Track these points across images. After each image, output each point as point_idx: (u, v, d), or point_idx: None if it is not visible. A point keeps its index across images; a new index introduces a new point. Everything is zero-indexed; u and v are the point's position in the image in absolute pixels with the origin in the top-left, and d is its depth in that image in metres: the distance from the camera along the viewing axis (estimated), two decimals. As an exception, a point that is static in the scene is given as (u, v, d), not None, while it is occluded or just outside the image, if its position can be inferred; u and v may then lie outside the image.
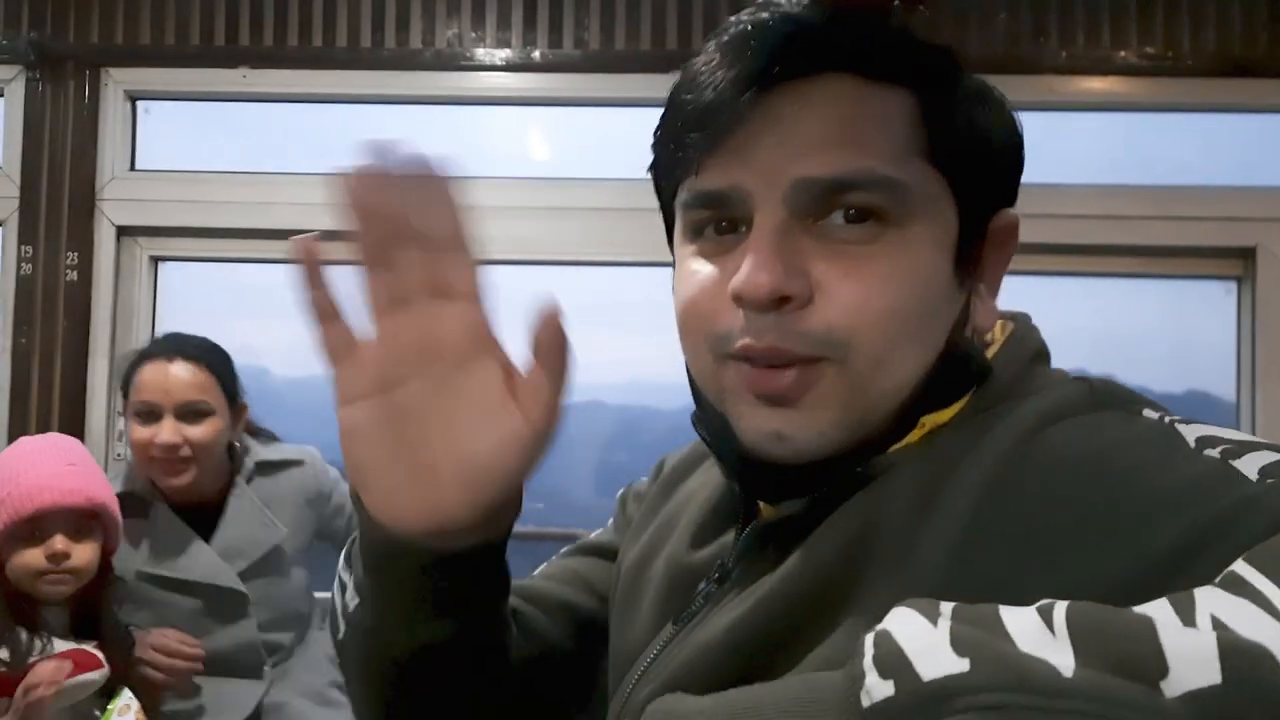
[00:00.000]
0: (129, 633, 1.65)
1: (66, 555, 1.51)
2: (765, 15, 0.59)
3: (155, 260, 2.43)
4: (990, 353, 0.63)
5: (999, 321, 0.64)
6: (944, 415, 0.59)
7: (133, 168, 2.42)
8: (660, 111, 0.63)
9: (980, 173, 0.60)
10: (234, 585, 1.81)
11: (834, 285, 0.55)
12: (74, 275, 2.35)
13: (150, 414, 1.75)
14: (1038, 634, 0.36)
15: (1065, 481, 0.50)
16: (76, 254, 2.35)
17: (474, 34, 2.36)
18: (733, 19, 0.61)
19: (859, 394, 0.57)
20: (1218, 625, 0.35)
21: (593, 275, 2.55)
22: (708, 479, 0.74)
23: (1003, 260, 0.63)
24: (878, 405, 0.58)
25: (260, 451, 1.93)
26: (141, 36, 2.38)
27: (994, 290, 0.63)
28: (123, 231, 2.38)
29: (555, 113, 2.46)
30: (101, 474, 1.65)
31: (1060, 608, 0.37)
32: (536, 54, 2.35)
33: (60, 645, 1.52)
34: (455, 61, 2.35)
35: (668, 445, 0.85)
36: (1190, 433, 0.51)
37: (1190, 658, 0.33)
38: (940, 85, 0.59)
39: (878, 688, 0.36)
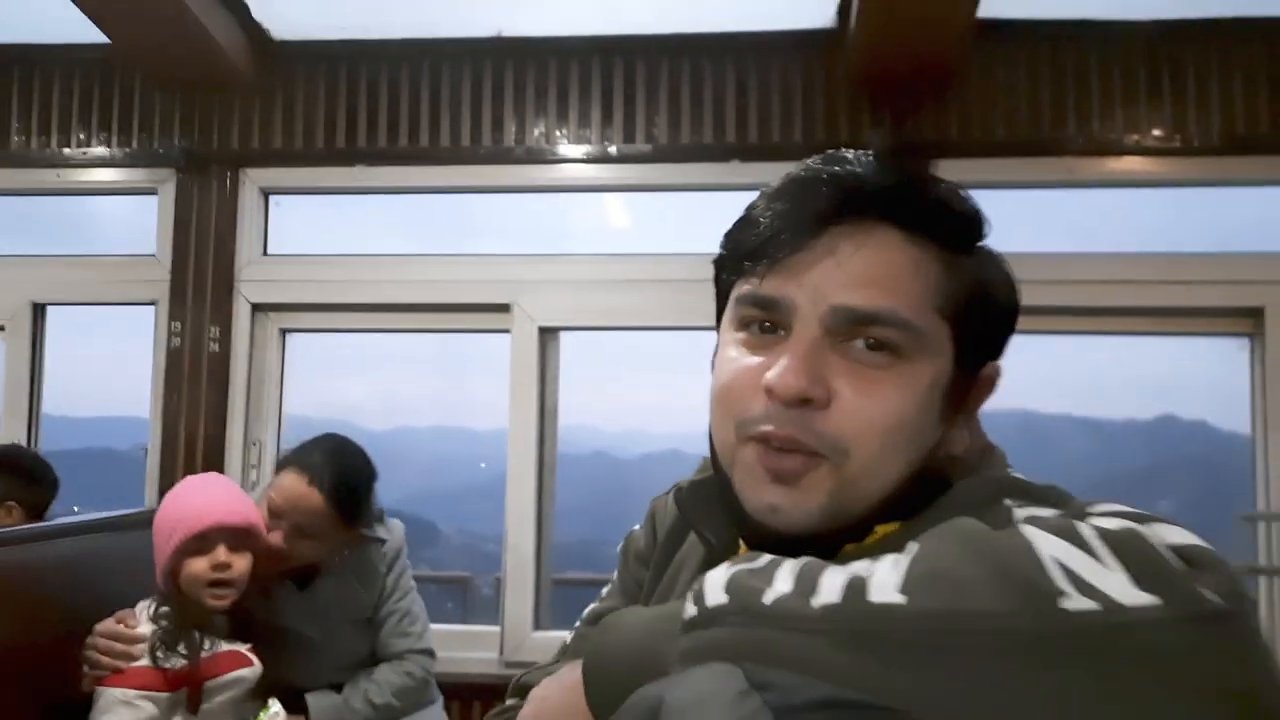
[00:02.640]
0: (281, 636, 1.95)
1: (228, 565, 1.81)
2: (835, 166, 0.72)
3: (284, 332, 2.80)
4: (958, 475, 0.74)
5: (984, 446, 0.77)
6: (893, 526, 0.71)
7: (265, 252, 2.80)
8: (722, 194, 0.85)
9: (980, 331, 0.73)
10: (316, 636, 2.09)
11: (849, 397, 0.68)
12: (216, 346, 2.72)
13: (275, 515, 1.99)
14: (784, 579, 0.58)
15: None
16: (218, 328, 2.72)
17: (559, 131, 2.71)
18: (809, 161, 0.74)
19: (847, 489, 0.69)
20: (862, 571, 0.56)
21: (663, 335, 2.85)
22: (693, 545, 0.86)
23: (982, 400, 0.76)
24: (858, 503, 0.70)
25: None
26: (273, 141, 2.77)
27: (970, 422, 0.75)
28: (256, 308, 2.75)
29: (630, 197, 2.80)
30: (252, 502, 1.97)
31: (793, 563, 0.59)
32: (613, 148, 2.69)
33: (224, 646, 1.82)
34: (543, 156, 2.70)
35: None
36: (1021, 514, 0.63)
37: (834, 583, 0.56)
38: (964, 249, 0.73)
39: (689, 611, 0.61)
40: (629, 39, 2.68)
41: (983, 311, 0.73)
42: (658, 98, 2.68)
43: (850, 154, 0.73)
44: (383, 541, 2.18)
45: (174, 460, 2.68)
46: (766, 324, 0.72)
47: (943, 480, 0.71)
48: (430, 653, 2.20)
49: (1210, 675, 0.51)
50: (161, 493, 2.64)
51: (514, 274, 2.71)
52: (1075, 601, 0.51)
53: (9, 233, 2.92)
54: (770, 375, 0.68)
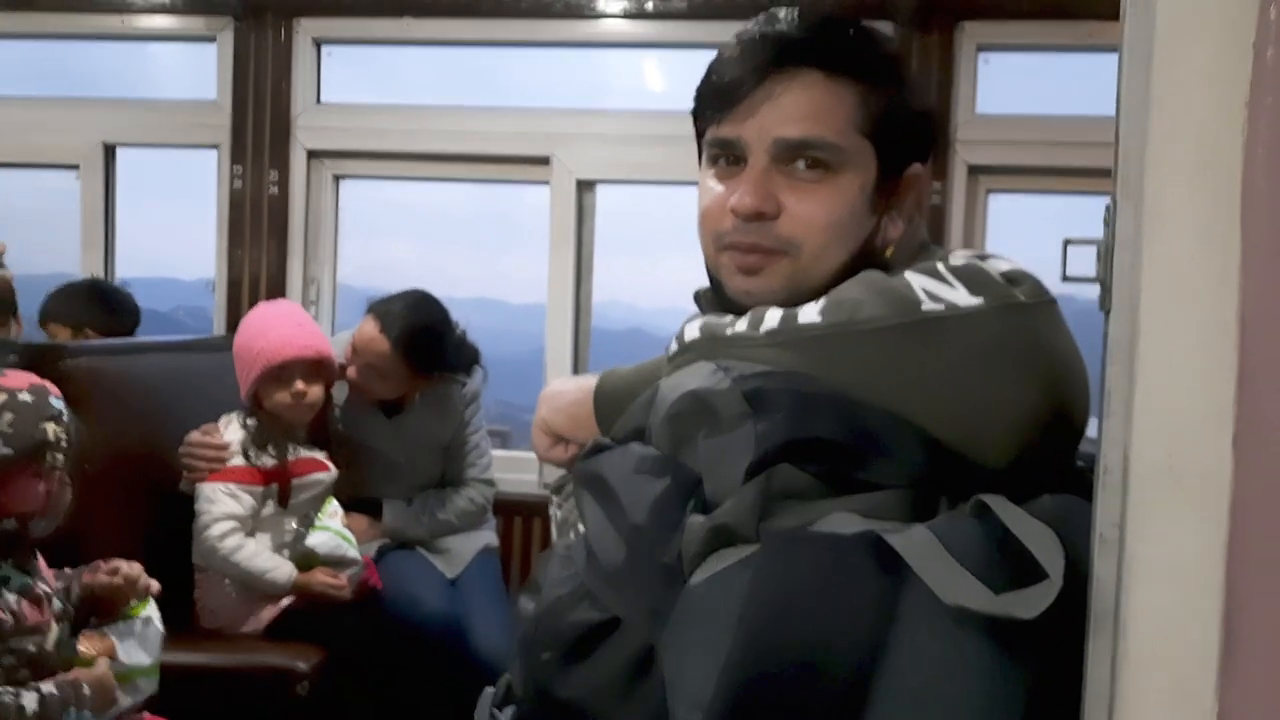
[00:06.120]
0: (369, 455, 2.23)
1: (304, 393, 2.06)
2: (769, 27, 0.90)
3: (337, 178, 2.98)
4: (890, 251, 0.94)
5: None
6: None
7: (318, 101, 2.96)
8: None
9: (896, 143, 0.91)
10: (398, 458, 2.37)
11: (794, 207, 0.88)
12: (275, 190, 2.90)
13: (354, 352, 2.26)
14: (740, 321, 0.83)
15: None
16: (277, 172, 2.90)
17: (597, -13, 2.80)
18: (750, 24, 0.93)
19: (800, 275, 0.89)
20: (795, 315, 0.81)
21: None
22: None
23: (913, 195, 0.94)
24: (810, 284, 0.88)
25: None
26: (325, -9, 2.88)
27: (905, 214, 0.94)
28: (312, 154, 2.92)
29: (665, 55, 2.91)
30: (324, 335, 2.20)
31: (775, 312, 0.82)
32: (649, 4, 2.78)
33: (303, 452, 2.09)
34: (581, 11, 2.80)
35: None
36: (915, 279, 0.80)
37: (774, 316, 0.81)
38: (878, 80, 0.90)
39: (671, 347, 0.87)
40: (668, -106, 2.74)
41: (898, 128, 0.91)
42: (695, -46, 2.76)
43: (782, 13, 0.91)
44: (463, 383, 2.45)
45: (238, 299, 2.90)
46: (730, 158, 0.91)
47: (883, 267, 0.89)
48: (491, 483, 2.52)
49: (1016, 345, 0.76)
50: (229, 325, 2.89)
51: (554, 128, 2.85)
52: (929, 305, 0.77)
53: (76, 78, 3.08)
54: (733, 199, 0.89)
